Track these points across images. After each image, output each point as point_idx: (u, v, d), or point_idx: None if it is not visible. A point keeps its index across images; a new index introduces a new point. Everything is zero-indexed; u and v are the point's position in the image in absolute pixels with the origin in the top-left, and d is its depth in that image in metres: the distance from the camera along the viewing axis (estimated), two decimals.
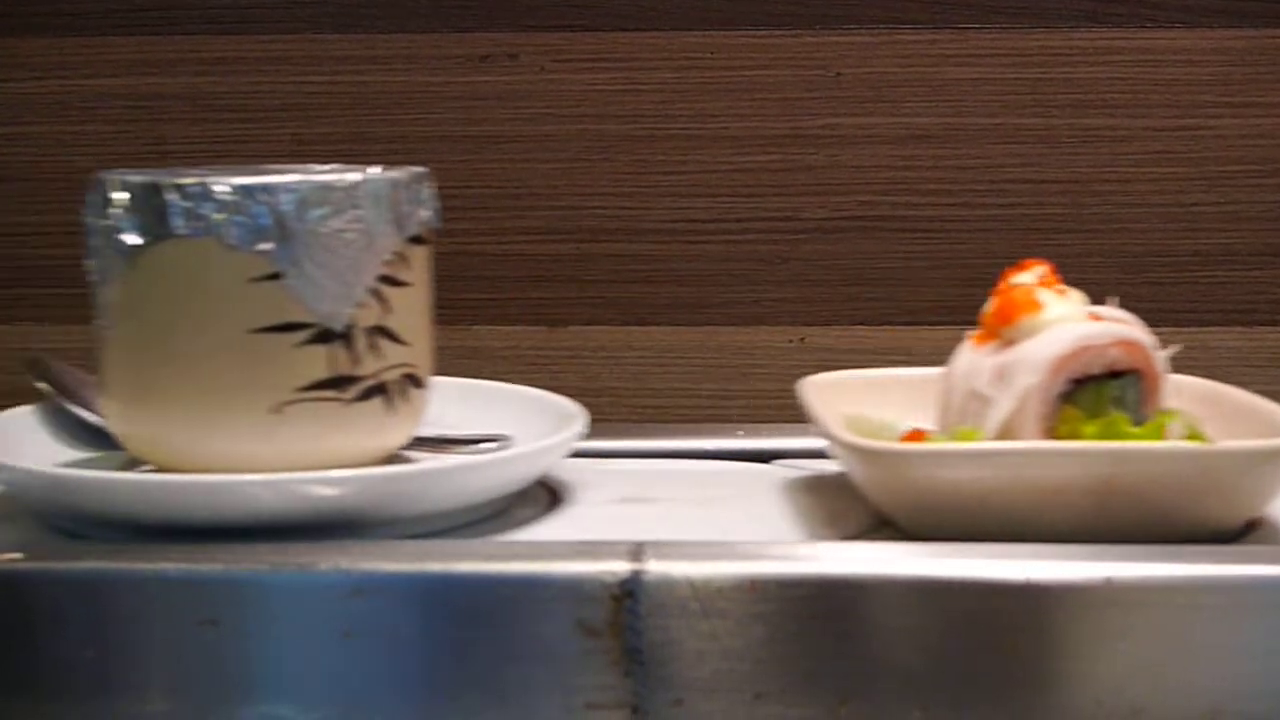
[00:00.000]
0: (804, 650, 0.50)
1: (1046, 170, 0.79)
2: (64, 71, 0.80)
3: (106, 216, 0.56)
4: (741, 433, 0.68)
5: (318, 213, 0.56)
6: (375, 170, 0.58)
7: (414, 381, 0.58)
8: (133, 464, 0.60)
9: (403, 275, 0.57)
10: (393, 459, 0.60)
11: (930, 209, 0.79)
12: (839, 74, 0.78)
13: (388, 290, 0.57)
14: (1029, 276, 0.59)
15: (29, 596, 0.51)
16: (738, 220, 0.79)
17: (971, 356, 0.58)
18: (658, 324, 0.80)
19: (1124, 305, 0.79)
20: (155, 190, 0.56)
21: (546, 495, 0.61)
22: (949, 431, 0.58)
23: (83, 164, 0.80)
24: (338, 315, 0.56)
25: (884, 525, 0.57)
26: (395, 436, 0.59)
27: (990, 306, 0.59)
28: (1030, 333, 0.57)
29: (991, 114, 0.79)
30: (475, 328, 0.80)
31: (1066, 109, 0.78)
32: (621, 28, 0.79)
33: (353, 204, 0.56)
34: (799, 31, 0.78)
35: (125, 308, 0.57)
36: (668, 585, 0.51)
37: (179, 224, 0.55)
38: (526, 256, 0.80)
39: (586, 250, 0.80)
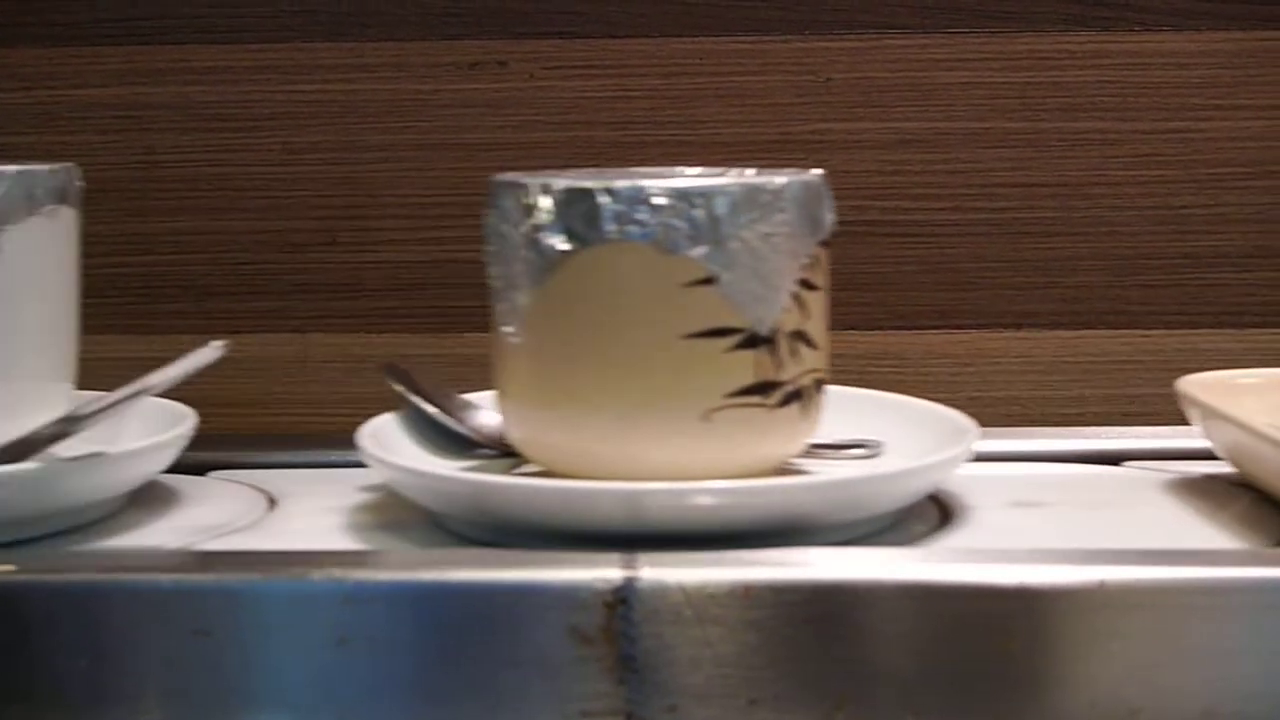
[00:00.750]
0: (798, 656, 0.50)
1: (1036, 174, 0.79)
2: (52, 81, 0.80)
3: (526, 222, 0.56)
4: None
5: (749, 216, 0.55)
6: (758, 172, 0.58)
7: (820, 386, 0.58)
8: (512, 469, 0.60)
9: (816, 279, 0.57)
10: (783, 467, 0.60)
11: (920, 213, 0.79)
12: (829, 79, 0.78)
13: (805, 294, 0.57)
14: None
15: (23, 607, 0.51)
16: None
17: None
18: None
19: (1114, 308, 0.79)
20: (587, 194, 0.55)
21: (931, 502, 0.61)
22: None
23: None
24: (764, 320, 0.56)
25: None
26: (801, 443, 0.59)
27: None
28: None
29: (980, 118, 0.79)
30: (468, 335, 0.80)
31: (1055, 113, 0.78)
32: (611, 34, 0.79)
33: (779, 207, 0.56)
34: (789, 37, 0.78)
35: (544, 313, 0.57)
36: (661, 592, 0.51)
37: (611, 228, 0.55)
38: None
39: None
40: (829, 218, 0.58)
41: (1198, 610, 0.50)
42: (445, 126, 0.80)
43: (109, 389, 0.60)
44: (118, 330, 0.80)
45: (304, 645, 0.51)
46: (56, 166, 0.62)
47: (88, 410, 0.57)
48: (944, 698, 0.50)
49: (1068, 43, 0.78)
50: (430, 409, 0.63)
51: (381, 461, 0.58)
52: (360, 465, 0.60)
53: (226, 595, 0.51)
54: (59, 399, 0.62)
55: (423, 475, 0.57)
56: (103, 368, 0.79)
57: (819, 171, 0.59)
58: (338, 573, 0.51)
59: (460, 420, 0.63)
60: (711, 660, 0.50)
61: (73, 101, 0.80)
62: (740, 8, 0.78)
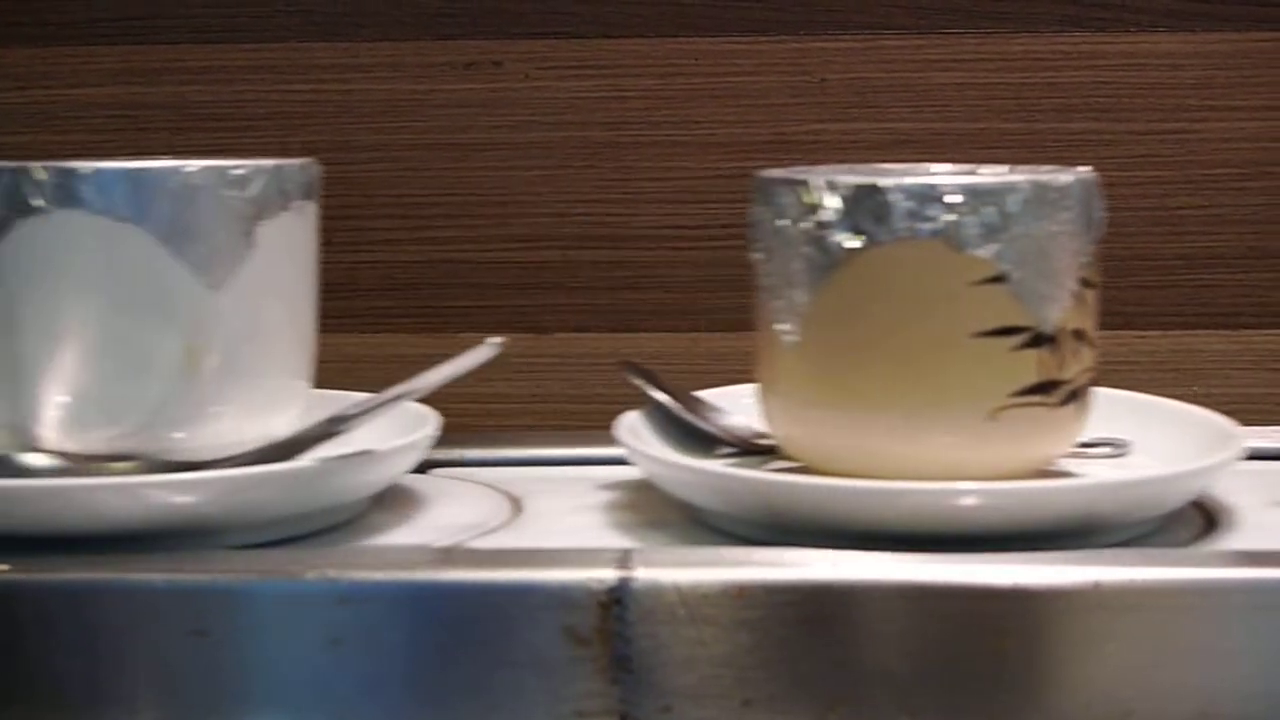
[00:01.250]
0: (792, 656, 0.50)
1: None
2: (48, 81, 0.80)
3: (808, 219, 0.56)
4: None
5: (1039, 213, 0.55)
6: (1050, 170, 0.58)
7: (1091, 385, 0.58)
8: (762, 466, 0.60)
9: (1092, 276, 0.57)
10: (1049, 467, 0.59)
11: None
12: (824, 80, 0.78)
13: (1084, 292, 0.57)
14: None
15: (17, 607, 0.51)
16: (723, 226, 0.79)
17: None
18: (644, 330, 0.80)
19: (1110, 309, 0.79)
20: (878, 192, 0.55)
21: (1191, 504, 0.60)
22: None
23: None
24: (1049, 318, 0.55)
25: None
26: (1072, 443, 0.59)
27: None
28: None
29: (975, 119, 0.79)
30: (461, 335, 0.80)
31: (1050, 114, 0.78)
32: (606, 34, 0.79)
33: (1065, 205, 0.56)
34: (784, 37, 0.78)
35: (827, 311, 0.56)
36: (655, 592, 0.51)
37: (902, 226, 0.55)
38: (512, 264, 0.80)
39: (572, 257, 0.80)
40: (1100, 215, 0.58)
41: (1192, 611, 0.50)
42: (440, 126, 0.80)
43: None
44: None
45: (299, 645, 0.51)
46: (305, 161, 0.61)
47: (354, 410, 0.57)
48: (938, 698, 0.50)
49: (1063, 43, 0.78)
50: (675, 406, 0.63)
51: (654, 459, 0.58)
52: (595, 464, 0.63)
53: (221, 595, 0.51)
54: (300, 397, 0.62)
55: (701, 472, 0.57)
56: None
57: (1088, 168, 0.59)
58: (332, 573, 0.51)
59: (702, 418, 0.63)
60: (706, 661, 0.50)
61: (68, 101, 0.80)
62: (735, 8, 0.78)
